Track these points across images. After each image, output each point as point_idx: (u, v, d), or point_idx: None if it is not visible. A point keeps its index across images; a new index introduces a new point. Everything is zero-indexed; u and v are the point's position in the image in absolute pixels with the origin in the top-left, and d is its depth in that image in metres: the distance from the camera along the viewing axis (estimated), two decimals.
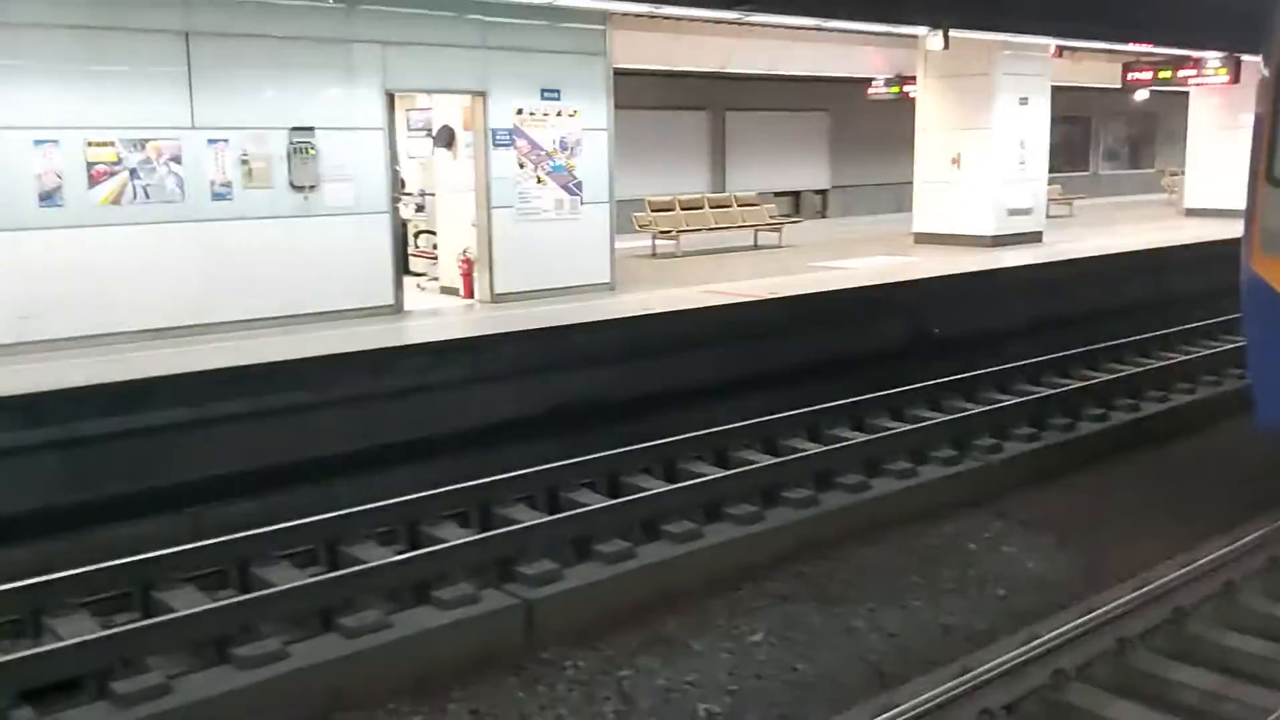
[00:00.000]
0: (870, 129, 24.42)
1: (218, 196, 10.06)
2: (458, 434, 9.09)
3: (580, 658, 6.14)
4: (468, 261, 12.09)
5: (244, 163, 10.15)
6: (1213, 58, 18.74)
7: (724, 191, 22.57)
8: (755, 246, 17.64)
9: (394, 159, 11.80)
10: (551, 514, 7.67)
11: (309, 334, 10.01)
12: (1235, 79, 18.80)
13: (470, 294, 12.07)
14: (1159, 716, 4.96)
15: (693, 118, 24.26)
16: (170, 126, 9.76)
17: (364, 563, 6.74)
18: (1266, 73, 7.06)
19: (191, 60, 9.79)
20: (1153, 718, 4.95)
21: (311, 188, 10.49)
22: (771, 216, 18.56)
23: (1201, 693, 5.13)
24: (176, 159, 9.80)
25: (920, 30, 14.31)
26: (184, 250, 9.93)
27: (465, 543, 6.98)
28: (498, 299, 11.85)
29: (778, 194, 23.22)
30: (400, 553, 7.01)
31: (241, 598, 6.32)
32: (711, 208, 18.42)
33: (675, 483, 8.22)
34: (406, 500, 7.58)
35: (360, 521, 7.33)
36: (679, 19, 12.67)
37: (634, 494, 7.92)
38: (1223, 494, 8.10)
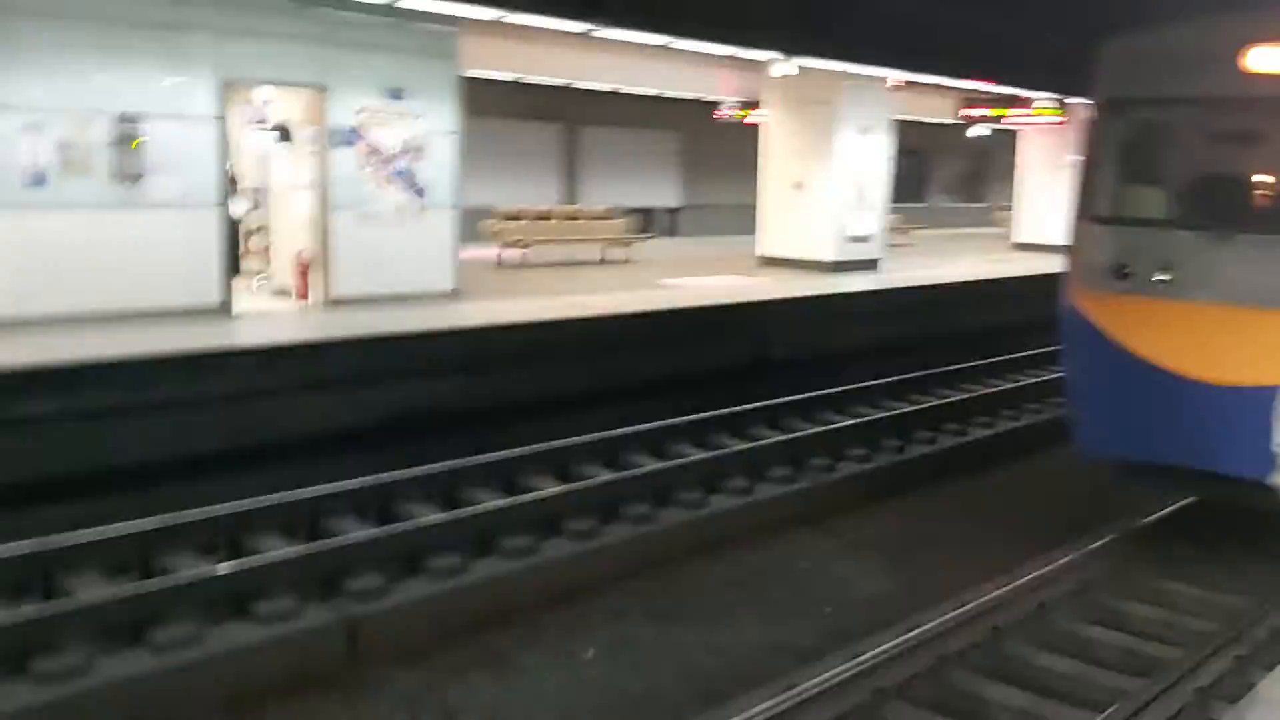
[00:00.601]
0: (722, 150, 24.78)
1: (32, 184, 9.42)
2: (285, 443, 8.73)
3: (406, 675, 5.97)
4: (303, 262, 11.65)
5: (63, 149, 9.53)
6: (1043, 98, 19.73)
7: (575, 204, 22.56)
8: (603, 261, 17.64)
9: (228, 152, 11.31)
10: (381, 527, 7.43)
11: (128, 333, 9.45)
12: (1063, 120, 19.84)
13: (305, 296, 11.63)
14: None
15: (546, 129, 24.18)
16: None
17: (177, 574, 6.39)
18: (1091, 115, 7.42)
19: (7, 38, 9.16)
20: None
21: (136, 178, 9.93)
22: (622, 231, 18.59)
23: (1013, 711, 5.29)
24: None
25: (769, 56, 14.58)
26: None
27: (288, 556, 6.70)
28: (334, 303, 11.45)
29: (629, 210, 23.33)
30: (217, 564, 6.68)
31: (42, 609, 5.89)
32: (561, 219, 18.34)
33: (512, 497, 8.09)
34: (228, 511, 7.24)
35: (176, 532, 6.96)
36: (525, 27, 12.56)
37: (468, 507, 7.76)
38: (1042, 517, 8.44)
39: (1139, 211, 7.43)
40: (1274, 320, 6.34)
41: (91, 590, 6.19)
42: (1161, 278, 6.79)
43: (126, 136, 9.79)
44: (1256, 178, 7.26)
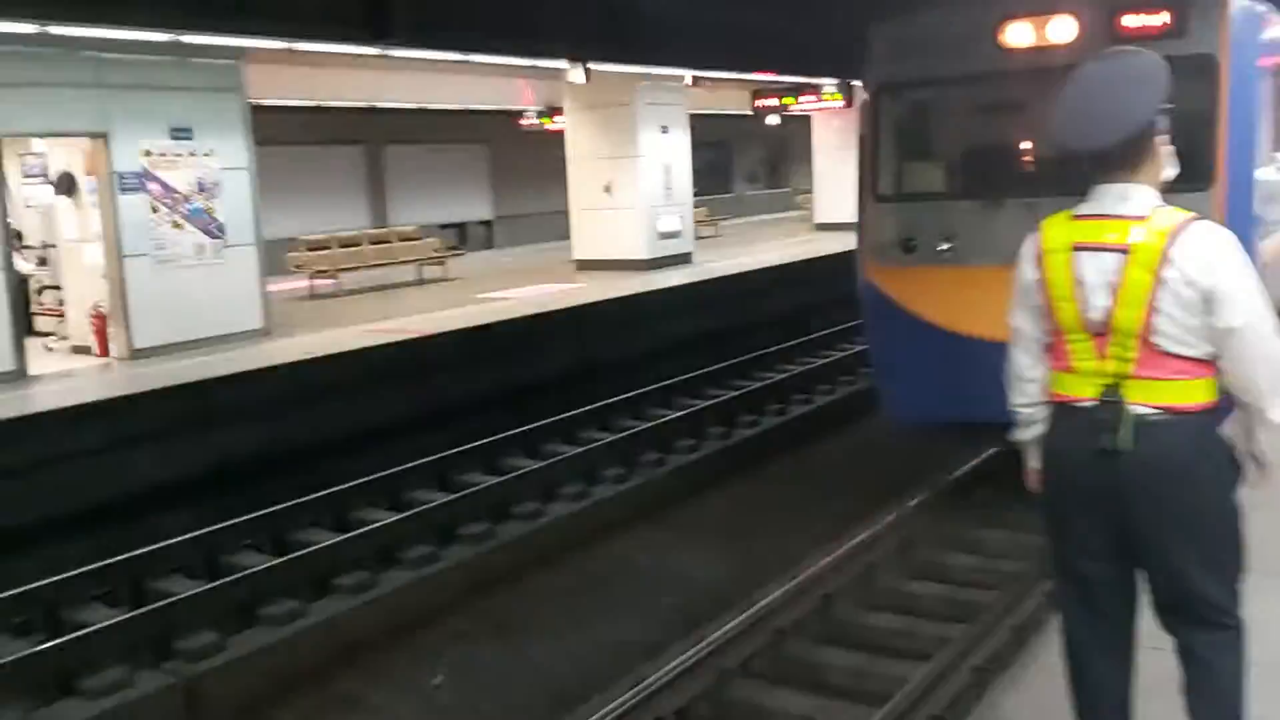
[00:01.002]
0: (529, 159, 24.83)
1: None
2: (98, 506, 8.34)
3: None
4: (100, 316, 11.12)
5: None
6: (829, 84, 20.51)
7: (386, 226, 22.21)
8: (420, 281, 17.46)
9: (6, 210, 10.71)
10: (211, 581, 7.21)
11: None
12: (849, 104, 20.66)
13: (105, 352, 11.10)
14: (811, 699, 5.33)
15: (348, 152, 23.73)
16: None
17: None
18: (866, 98, 7.80)
19: None
20: (806, 702, 5.31)
21: None
22: (434, 250, 18.43)
23: (847, 671, 5.56)
24: None
25: (561, 64, 14.72)
26: None
27: (113, 623, 6.45)
28: (136, 355, 10.94)
29: (442, 226, 23.14)
30: (39, 642, 6.36)
31: None
32: (371, 244, 18.06)
33: (346, 532, 7.97)
34: (42, 584, 6.89)
35: None
36: (316, 53, 12.33)
37: (301, 549, 7.61)
38: (862, 484, 8.82)
39: (918, 187, 7.84)
40: None
41: None
42: (944, 248, 7.20)
43: None
44: (1020, 146, 7.78)
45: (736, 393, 11.70)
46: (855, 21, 8.67)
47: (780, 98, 21.34)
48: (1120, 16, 6.45)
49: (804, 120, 24.83)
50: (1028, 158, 7.71)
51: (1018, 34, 6.95)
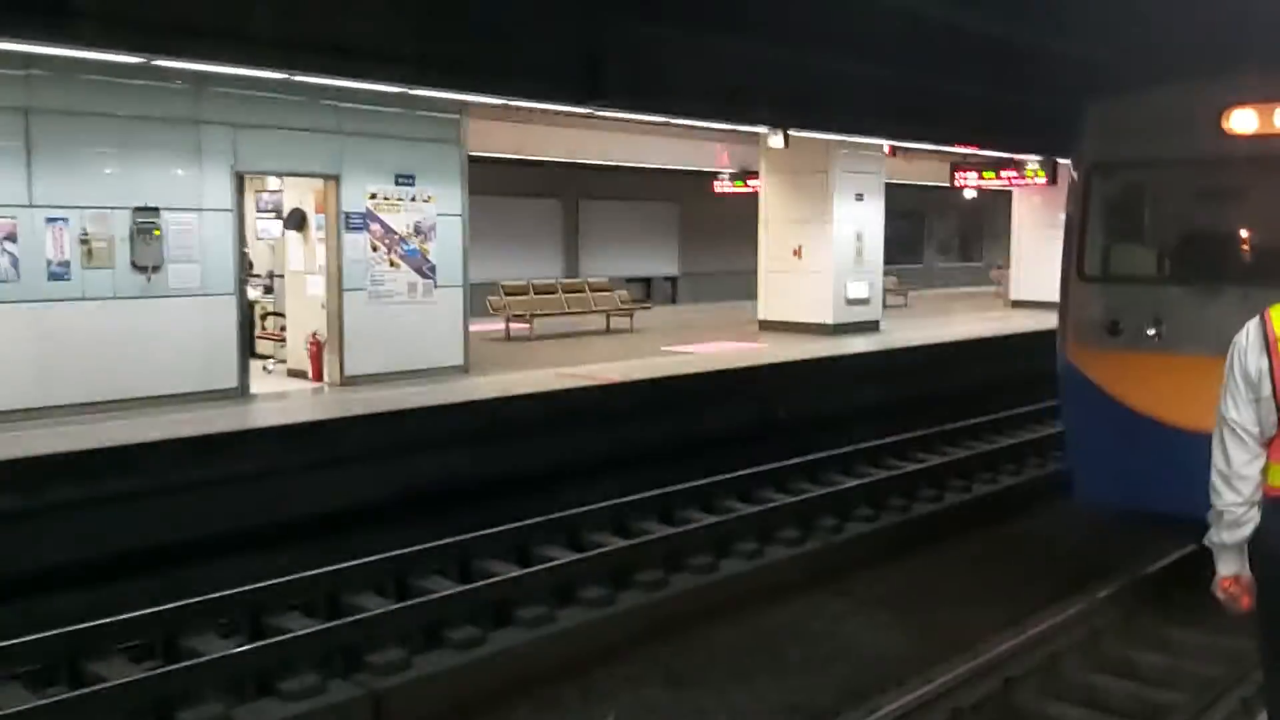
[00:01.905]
0: (718, 219, 25.25)
1: (55, 276, 9.72)
2: (303, 520, 8.90)
3: None
4: (316, 344, 11.93)
5: (84, 242, 9.85)
6: (1032, 160, 20.14)
7: (577, 276, 22.91)
8: (608, 330, 17.93)
9: (242, 240, 11.64)
10: (400, 601, 7.57)
11: (150, 418, 9.68)
12: (1052, 180, 20.22)
13: (319, 377, 11.89)
14: None
15: (547, 204, 24.67)
16: (6, 204, 9.44)
17: (202, 655, 6.53)
18: (1075, 177, 7.70)
19: (30, 137, 9.53)
20: None
21: (155, 268, 10.23)
22: (623, 302, 18.91)
23: None
24: (11, 237, 9.46)
25: (762, 129, 14.99)
26: (18, 331, 9.54)
27: (310, 632, 6.85)
28: (347, 381, 11.71)
29: (629, 279, 23.71)
30: (240, 644, 6.82)
31: (71, 694, 6.04)
32: (565, 292, 18.67)
33: (528, 566, 8.24)
34: (248, 590, 7.39)
35: (198, 612, 7.11)
36: (529, 109, 12.98)
37: (486, 579, 7.90)
38: (1047, 570, 8.55)
39: (1128, 269, 7.68)
40: None
41: (117, 674, 6.33)
42: (1151, 332, 7.01)
43: (145, 228, 10.10)
44: (1239, 233, 7.51)
45: (919, 465, 11.53)
46: (1063, 99, 8.59)
47: (980, 171, 21.06)
48: None
49: (1003, 195, 24.40)
50: (1245, 245, 7.45)
51: (1242, 121, 6.75)
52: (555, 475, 10.27)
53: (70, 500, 8.18)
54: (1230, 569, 2.94)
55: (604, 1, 10.37)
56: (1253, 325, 2.96)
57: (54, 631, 6.59)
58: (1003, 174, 20.76)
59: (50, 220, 9.68)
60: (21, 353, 9.56)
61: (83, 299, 9.90)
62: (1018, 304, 22.92)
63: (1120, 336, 7.17)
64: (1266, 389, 2.90)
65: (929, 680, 5.99)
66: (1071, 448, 7.73)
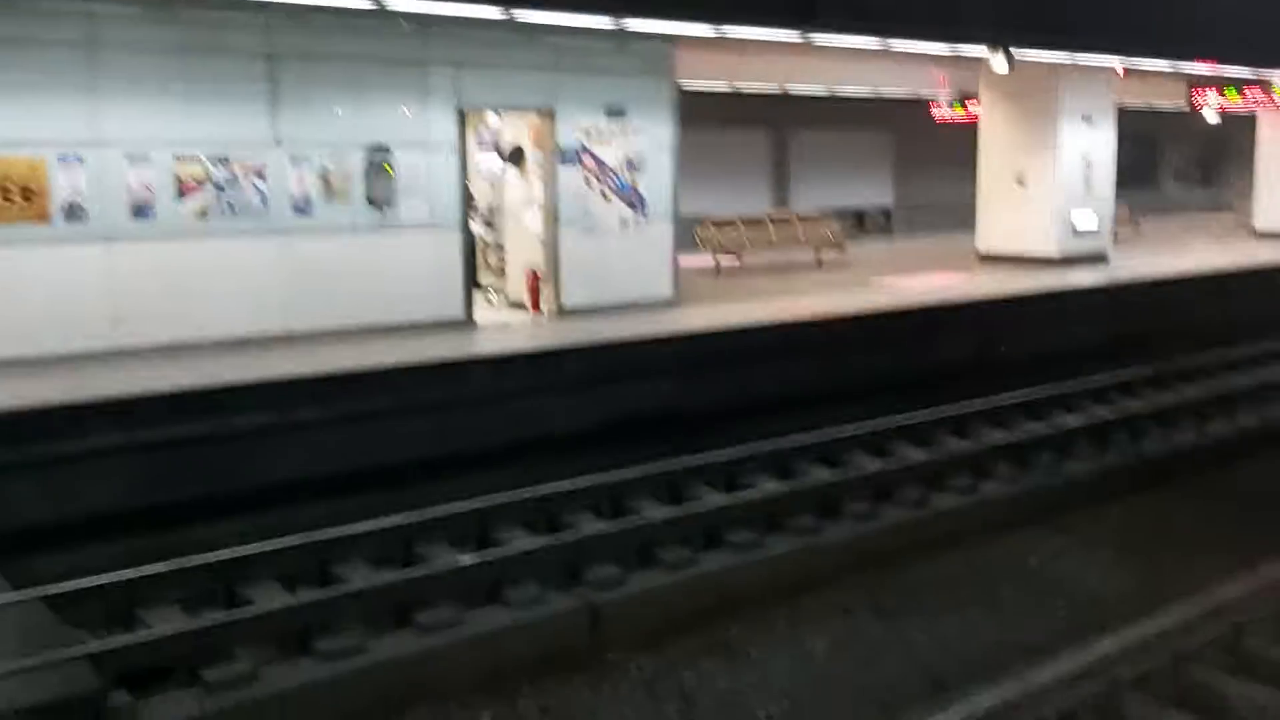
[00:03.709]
0: (933, 148, 24.39)
1: (298, 211, 10.45)
2: (529, 442, 9.35)
3: (644, 660, 6.32)
4: (534, 277, 12.36)
5: (324, 179, 10.53)
6: None
7: (787, 208, 22.70)
8: (819, 264, 17.74)
9: (467, 176, 12.13)
10: (615, 520, 7.87)
11: (386, 344, 10.32)
12: None
13: (537, 308, 12.34)
14: None
15: (755, 136, 24.42)
16: (254, 143, 10.18)
17: (433, 563, 7.00)
18: None
19: (274, 81, 10.20)
20: None
21: (388, 203, 10.84)
22: (833, 234, 18.64)
23: (1253, 705, 5.18)
24: (260, 174, 10.21)
25: (982, 50, 14.37)
26: (266, 262, 10.33)
27: (535, 548, 7.21)
28: (563, 313, 12.11)
29: (841, 211, 23.30)
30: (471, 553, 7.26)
31: (322, 593, 6.60)
32: (774, 224, 18.55)
33: (735, 493, 8.38)
34: (474, 507, 7.83)
35: (433, 526, 7.60)
36: (739, 39, 12.87)
37: (694, 504, 8.10)
38: None
39: None
40: None
41: (361, 576, 6.88)
42: None
43: (379, 165, 10.70)
44: None
45: (1147, 403, 10.99)
46: None
47: (1222, 91, 19.53)
48: None
49: (1246, 116, 22.56)
50: None
51: None
52: (767, 407, 10.36)
53: (322, 419, 8.86)
54: None
55: None
56: None
57: (305, 538, 7.18)
58: (1247, 94, 19.19)
59: (293, 159, 10.37)
60: (268, 283, 10.35)
61: (323, 232, 10.60)
62: (1263, 234, 21.29)
63: None
64: None
65: (1152, 621, 5.80)
66: None
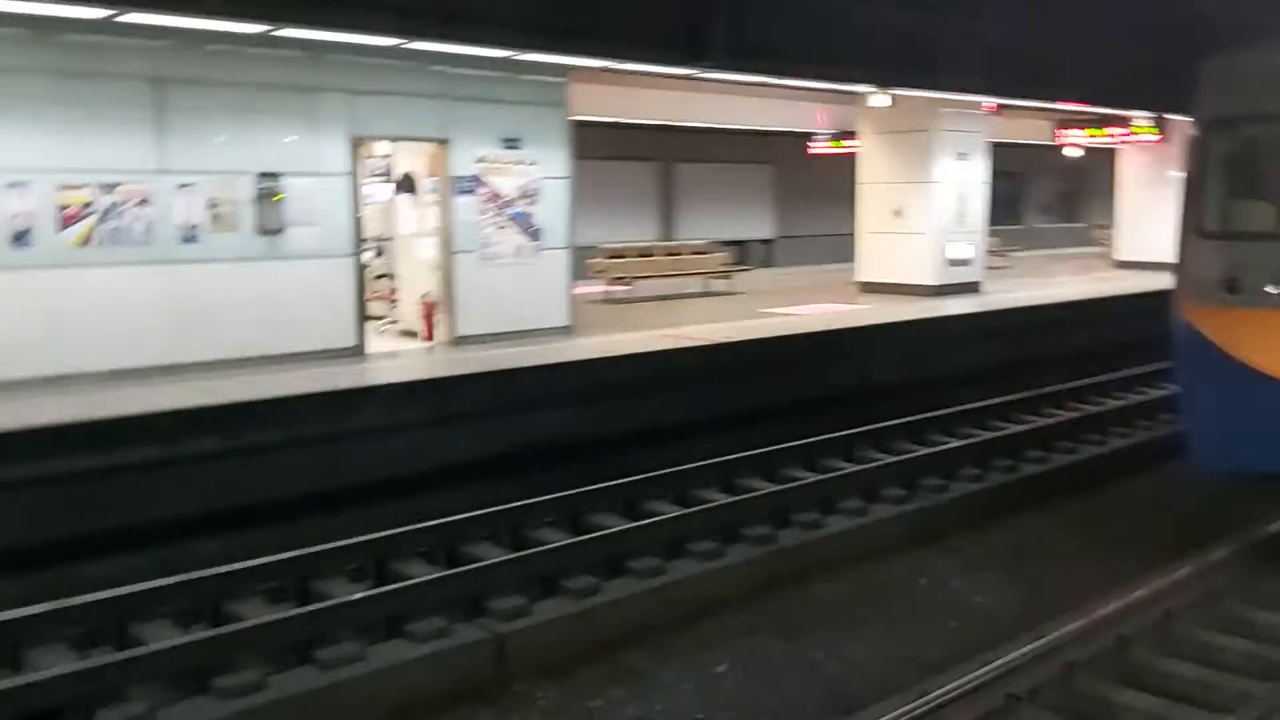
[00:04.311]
0: (814, 181, 25.06)
1: (186, 240, 10.19)
2: (422, 474, 9.25)
3: (551, 689, 6.32)
4: (429, 305, 12.28)
5: (212, 207, 10.29)
6: (1140, 117, 19.61)
7: (673, 239, 23.01)
8: (706, 293, 18.03)
9: (358, 205, 11.99)
10: (517, 551, 7.85)
11: (274, 375, 10.11)
12: (1161, 138, 19.68)
13: (431, 336, 12.24)
14: None
15: (643, 168, 24.74)
16: (139, 170, 9.90)
17: (334, 599, 6.89)
18: (1195, 133, 7.57)
19: (161, 107, 9.96)
20: None
21: (278, 231, 10.65)
22: (722, 264, 18.98)
23: (1144, 715, 5.45)
24: (146, 201, 9.93)
25: (863, 89, 14.86)
26: (151, 292, 10.03)
27: (435, 578, 7.15)
28: (458, 341, 12.05)
29: (725, 242, 23.70)
30: (369, 589, 7.16)
31: (217, 631, 6.43)
32: (664, 255, 18.80)
33: (638, 521, 8.45)
34: (374, 539, 7.72)
35: (327, 558, 7.46)
36: (629, 73, 13.07)
37: (596, 532, 8.14)
38: (1156, 532, 8.49)
39: (1248, 225, 7.54)
40: None
41: (258, 613, 6.72)
42: (1272, 290, 6.90)
43: (269, 193, 10.51)
44: None
45: (1024, 427, 11.46)
46: (1177, 53, 8.41)
47: (1085, 128, 20.59)
48: None
49: (1106, 152, 23.78)
50: None
51: None
52: (658, 434, 10.46)
53: (208, 452, 8.62)
54: None
55: None
56: None
57: (197, 574, 6.98)
58: (1110, 130, 20.26)
59: (180, 186, 10.12)
60: (153, 313, 10.05)
61: (211, 261, 10.35)
62: (1123, 264, 22.41)
63: (1239, 294, 7.07)
64: None
65: (1041, 635, 6.05)
66: (1187, 410, 7.65)
